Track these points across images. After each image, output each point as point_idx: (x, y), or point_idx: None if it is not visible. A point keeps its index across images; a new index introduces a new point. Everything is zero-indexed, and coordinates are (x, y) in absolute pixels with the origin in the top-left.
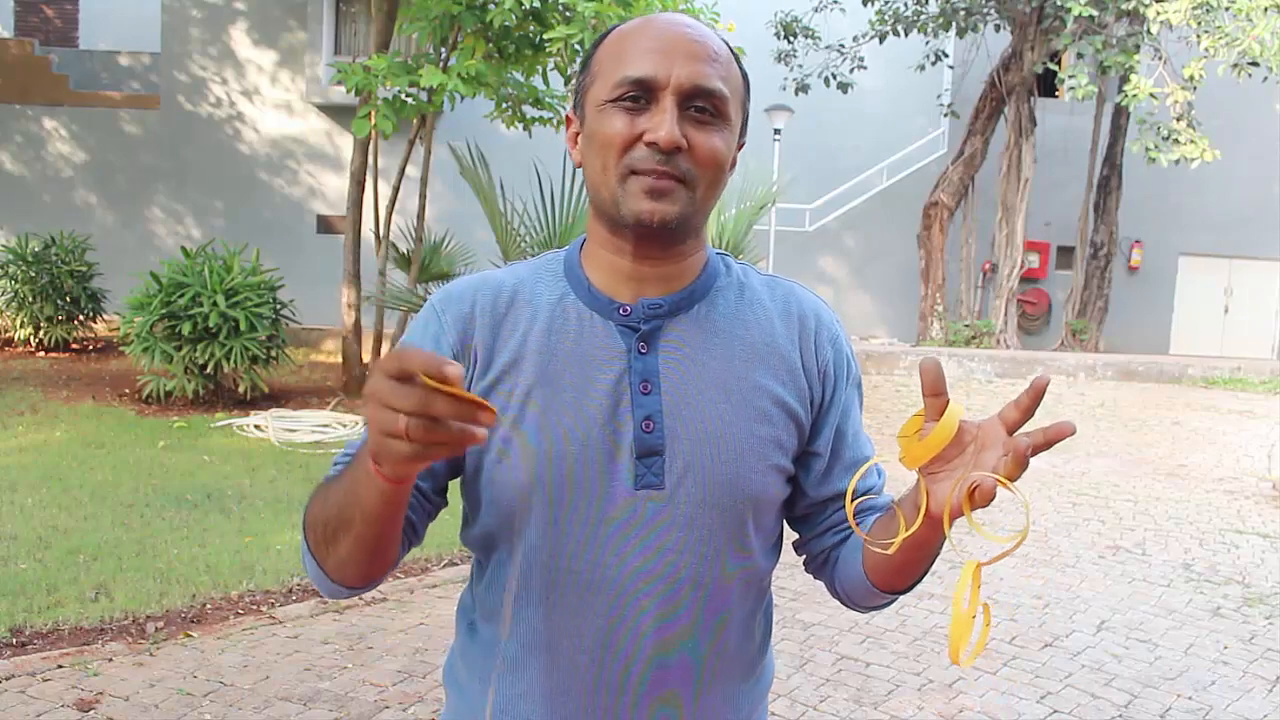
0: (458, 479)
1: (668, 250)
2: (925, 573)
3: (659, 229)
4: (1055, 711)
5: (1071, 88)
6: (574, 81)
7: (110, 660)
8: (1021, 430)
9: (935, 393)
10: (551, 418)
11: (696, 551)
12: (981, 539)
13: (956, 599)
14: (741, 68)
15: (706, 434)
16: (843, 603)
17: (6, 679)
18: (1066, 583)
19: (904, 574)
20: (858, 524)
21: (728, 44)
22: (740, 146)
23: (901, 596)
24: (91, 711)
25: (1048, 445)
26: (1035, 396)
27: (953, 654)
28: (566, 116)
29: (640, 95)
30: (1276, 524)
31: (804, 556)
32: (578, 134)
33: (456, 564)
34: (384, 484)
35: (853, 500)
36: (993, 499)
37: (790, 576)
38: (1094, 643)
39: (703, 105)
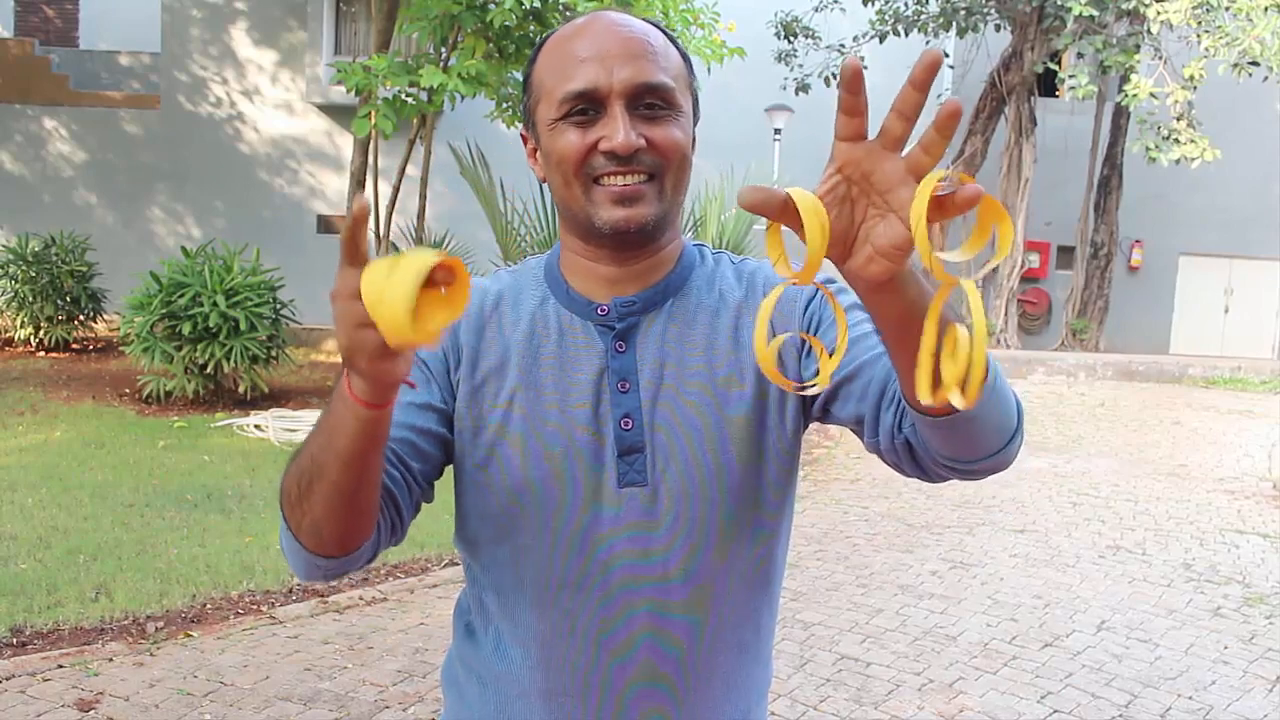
0: (451, 481)
1: (645, 249)
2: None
3: (636, 233)
4: (1055, 711)
5: (1072, 87)
6: (521, 100)
7: (110, 660)
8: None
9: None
10: (536, 420)
11: (685, 545)
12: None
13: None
14: (679, 48)
15: (685, 428)
16: (961, 472)
17: (6, 679)
18: (1066, 583)
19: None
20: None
21: (659, 26)
22: (696, 121)
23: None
24: (91, 711)
25: (945, 139)
26: (928, 70)
27: (948, 387)
28: (521, 135)
29: (587, 107)
30: (1276, 524)
31: (895, 461)
32: (535, 150)
33: (456, 564)
34: (361, 408)
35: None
36: (975, 200)
37: (790, 577)
38: (1094, 643)
39: (652, 101)
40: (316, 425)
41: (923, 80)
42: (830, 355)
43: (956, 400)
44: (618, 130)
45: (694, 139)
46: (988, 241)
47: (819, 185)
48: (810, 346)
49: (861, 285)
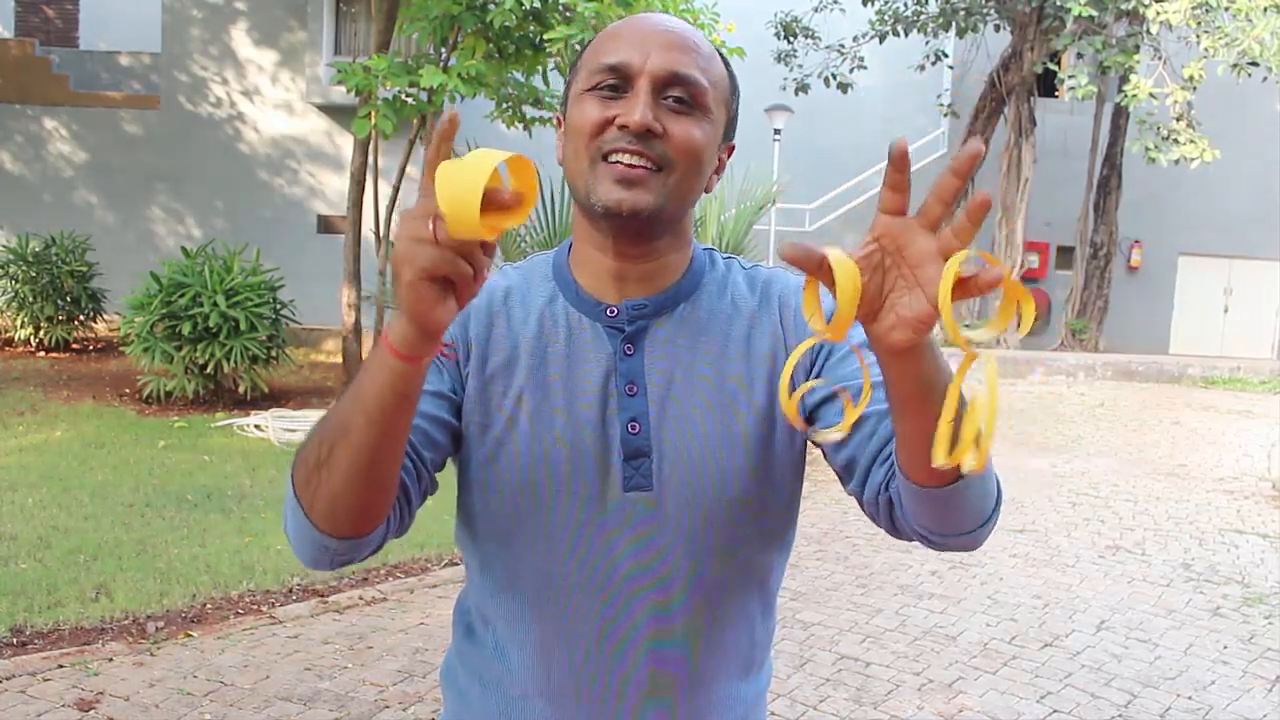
0: (452, 481)
1: (645, 244)
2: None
3: (629, 218)
4: (1055, 711)
5: (1071, 88)
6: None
7: (110, 660)
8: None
9: (798, 259)
10: (543, 421)
11: (687, 551)
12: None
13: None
14: (728, 67)
15: (692, 434)
16: (930, 542)
17: (6, 679)
18: (1066, 583)
19: (922, 442)
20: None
21: (714, 47)
22: (730, 150)
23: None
24: (91, 711)
25: (975, 226)
26: (969, 161)
27: (965, 448)
28: (556, 118)
29: (617, 83)
30: (1276, 524)
31: (873, 513)
32: (564, 129)
33: (456, 564)
34: (395, 360)
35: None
36: (996, 283)
37: (790, 577)
38: (1094, 643)
39: (680, 95)
40: (345, 390)
41: (964, 170)
42: (854, 405)
43: (969, 462)
44: (636, 107)
45: (721, 162)
46: (1011, 320)
47: (857, 250)
48: (811, 375)
49: (883, 349)
